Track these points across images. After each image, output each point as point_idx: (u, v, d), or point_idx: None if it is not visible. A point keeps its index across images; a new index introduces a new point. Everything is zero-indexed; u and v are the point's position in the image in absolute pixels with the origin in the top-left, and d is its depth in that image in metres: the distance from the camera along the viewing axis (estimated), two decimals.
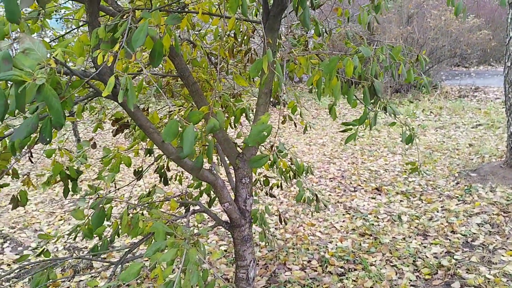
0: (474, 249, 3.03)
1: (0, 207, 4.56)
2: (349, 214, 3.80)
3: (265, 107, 1.88)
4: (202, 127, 1.90)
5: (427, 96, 8.96)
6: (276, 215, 3.80)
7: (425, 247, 3.11)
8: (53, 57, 1.13)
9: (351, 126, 1.90)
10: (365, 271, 2.82)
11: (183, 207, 2.34)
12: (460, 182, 4.32)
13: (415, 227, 3.44)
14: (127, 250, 2.03)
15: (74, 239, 1.93)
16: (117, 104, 1.59)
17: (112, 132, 2.21)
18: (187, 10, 1.99)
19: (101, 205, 1.73)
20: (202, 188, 2.65)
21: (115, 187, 2.46)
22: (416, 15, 9.40)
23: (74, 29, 2.07)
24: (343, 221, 3.67)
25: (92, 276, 3.04)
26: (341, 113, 8.41)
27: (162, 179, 2.48)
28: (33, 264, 1.94)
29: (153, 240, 1.54)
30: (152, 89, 2.41)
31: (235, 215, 2.00)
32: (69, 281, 2.91)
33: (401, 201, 4.02)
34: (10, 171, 1.74)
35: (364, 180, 4.66)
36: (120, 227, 1.84)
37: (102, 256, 2.85)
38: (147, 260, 2.83)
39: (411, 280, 2.70)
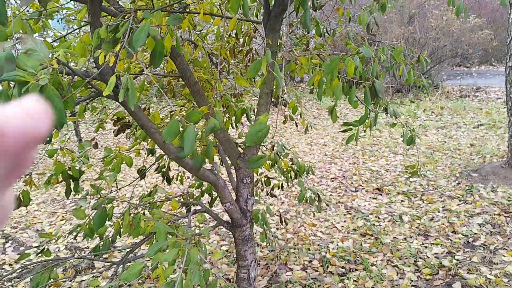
0: (475, 249, 3.02)
1: None
2: (350, 214, 3.80)
3: (266, 107, 1.88)
4: (203, 127, 1.90)
5: (429, 96, 8.95)
6: (277, 215, 3.80)
7: (426, 247, 3.10)
8: (55, 57, 1.13)
9: (351, 126, 1.90)
10: (366, 271, 2.82)
11: (184, 207, 2.35)
12: (461, 182, 4.31)
13: (416, 227, 3.44)
14: (128, 250, 2.04)
15: (75, 238, 1.93)
16: (119, 104, 1.60)
17: (113, 132, 2.21)
18: (188, 10, 1.99)
19: (103, 205, 1.74)
20: (203, 188, 2.66)
21: (117, 187, 2.47)
22: (418, 15, 9.39)
23: (76, 29, 2.08)
24: (344, 221, 3.67)
25: (93, 276, 3.05)
26: (342, 113, 8.40)
27: (165, 178, 2.49)
28: (35, 264, 1.95)
29: (155, 240, 1.55)
30: (154, 89, 2.42)
31: (236, 215, 2.01)
32: (70, 281, 2.91)
33: (402, 201, 4.02)
34: None
35: (365, 180, 4.66)
36: (121, 227, 1.85)
37: (103, 256, 2.85)
38: (149, 260, 2.84)
39: (412, 280, 2.70)
